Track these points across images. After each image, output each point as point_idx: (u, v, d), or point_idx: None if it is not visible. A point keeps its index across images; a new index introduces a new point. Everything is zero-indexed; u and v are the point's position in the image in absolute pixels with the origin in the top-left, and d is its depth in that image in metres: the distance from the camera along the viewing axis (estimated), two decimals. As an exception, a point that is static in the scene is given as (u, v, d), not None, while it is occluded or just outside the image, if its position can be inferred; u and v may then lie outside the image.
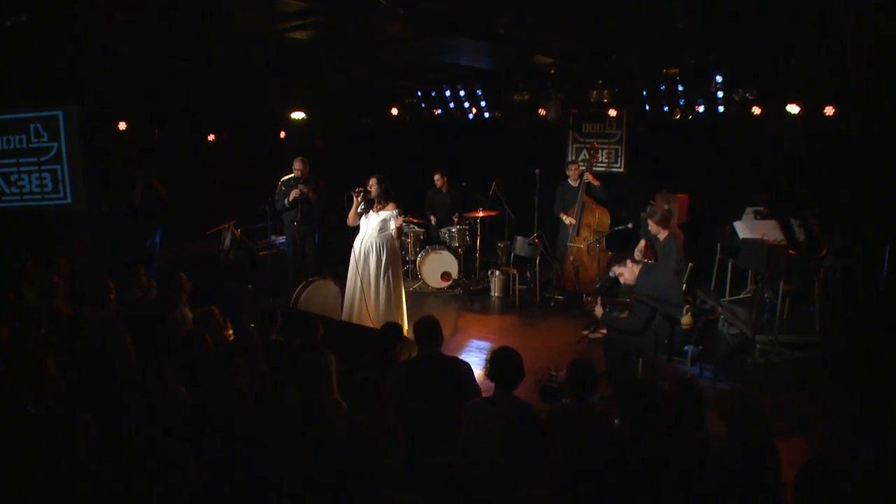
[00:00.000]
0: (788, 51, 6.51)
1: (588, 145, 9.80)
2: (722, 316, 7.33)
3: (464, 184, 10.05)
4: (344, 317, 7.02)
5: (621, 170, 10.03)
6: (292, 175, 8.31)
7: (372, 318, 6.77)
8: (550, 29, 5.67)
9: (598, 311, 5.70)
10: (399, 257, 7.08)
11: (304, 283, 7.35)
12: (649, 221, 7.22)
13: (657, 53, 7.09)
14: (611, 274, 5.86)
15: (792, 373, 6.28)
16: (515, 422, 3.46)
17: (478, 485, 3.31)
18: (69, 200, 8.65)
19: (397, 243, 7.06)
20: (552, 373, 6.02)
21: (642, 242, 7.51)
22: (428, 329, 4.68)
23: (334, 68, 8.77)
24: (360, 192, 6.85)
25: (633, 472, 3.28)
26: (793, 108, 6.67)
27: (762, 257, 6.14)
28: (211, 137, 10.14)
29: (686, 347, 5.34)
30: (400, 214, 6.96)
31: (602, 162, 9.97)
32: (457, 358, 4.81)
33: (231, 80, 8.96)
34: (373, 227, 6.89)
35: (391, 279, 6.91)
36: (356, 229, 7.12)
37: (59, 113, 8.45)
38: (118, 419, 3.86)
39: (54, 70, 8.02)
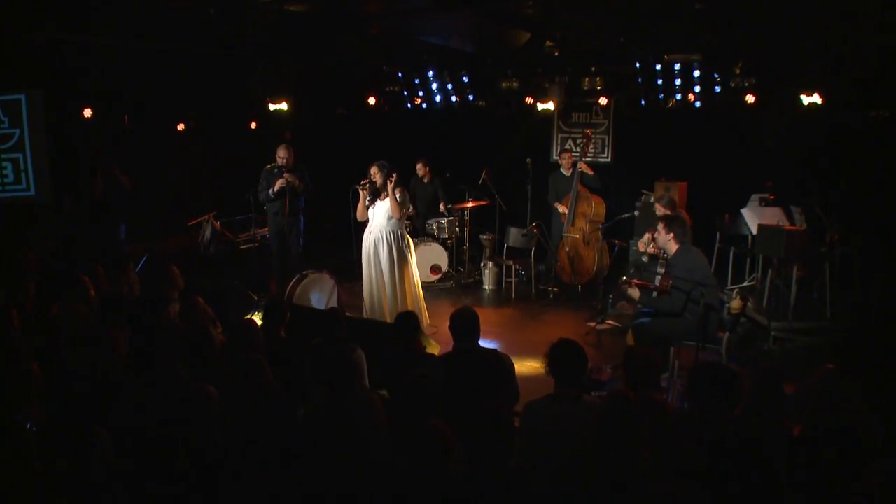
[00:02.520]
0: (796, 38, 6.45)
1: (579, 134, 9.69)
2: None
3: (447, 174, 9.76)
4: (366, 314, 6.64)
5: (608, 159, 9.90)
6: (276, 164, 7.85)
7: (389, 312, 6.41)
8: (572, 6, 5.44)
9: (636, 292, 5.51)
10: (410, 244, 6.72)
11: (298, 276, 6.95)
12: (657, 206, 7.09)
13: (668, 36, 6.96)
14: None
15: (807, 359, 6.21)
16: (618, 418, 3.17)
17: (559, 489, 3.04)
18: (32, 192, 8.00)
19: (407, 229, 6.71)
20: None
21: (647, 235, 7.38)
22: (466, 321, 4.39)
23: (323, 50, 8.36)
24: (367, 184, 6.50)
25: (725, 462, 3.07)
26: (808, 99, 6.58)
27: (781, 243, 6.06)
28: (181, 126, 9.60)
29: (722, 334, 5.19)
30: (402, 191, 6.56)
31: (588, 152, 9.80)
32: (496, 351, 4.53)
33: (211, 65, 8.47)
34: (380, 216, 6.52)
35: (405, 268, 6.57)
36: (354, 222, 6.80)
37: (22, 96, 7.79)
38: (130, 429, 3.45)
39: (17, 49, 7.38)
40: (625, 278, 5.70)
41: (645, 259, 5.70)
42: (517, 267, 8.84)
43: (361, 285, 6.84)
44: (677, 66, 7.98)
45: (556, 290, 8.52)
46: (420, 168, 9.55)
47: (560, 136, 10.19)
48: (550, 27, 6.63)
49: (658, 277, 5.70)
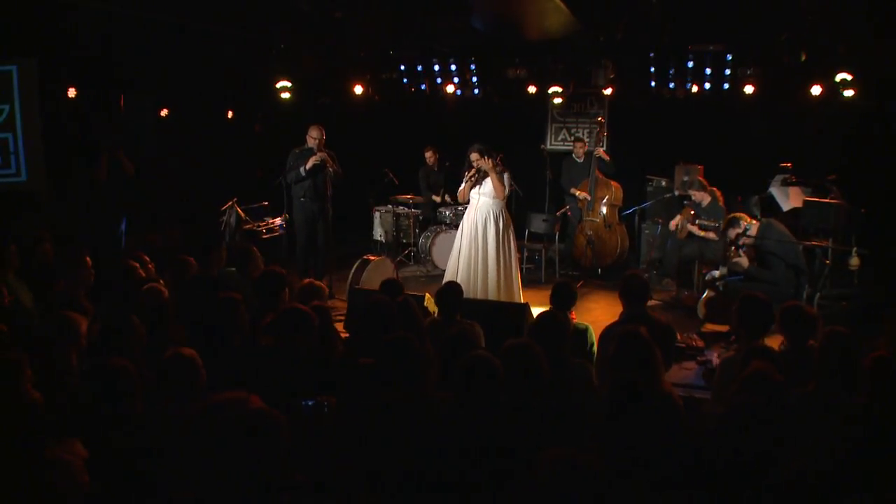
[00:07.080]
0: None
1: (574, 124, 9.94)
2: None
3: (447, 163, 9.65)
4: None
5: (604, 149, 10.16)
6: (306, 146, 7.42)
7: (490, 292, 6.27)
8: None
9: (745, 261, 5.74)
10: (512, 224, 6.60)
11: (360, 262, 6.64)
12: (692, 192, 7.44)
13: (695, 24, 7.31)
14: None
15: (848, 324, 6.72)
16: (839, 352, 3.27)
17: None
18: (23, 178, 7.12)
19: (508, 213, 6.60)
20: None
21: (679, 217, 7.72)
22: (638, 284, 4.41)
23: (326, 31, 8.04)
24: (474, 170, 6.40)
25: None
26: (847, 91, 7.14)
27: (831, 217, 6.52)
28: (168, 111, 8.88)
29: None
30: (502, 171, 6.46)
31: (602, 139, 9.93)
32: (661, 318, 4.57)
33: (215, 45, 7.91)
34: (486, 194, 6.40)
35: (509, 249, 6.45)
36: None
37: (13, 68, 6.92)
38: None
39: (8, 14, 6.52)
40: (733, 247, 5.93)
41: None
42: (538, 252, 8.88)
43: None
44: (690, 56, 8.37)
45: (575, 274, 8.66)
46: (430, 156, 9.42)
47: (554, 125, 10.37)
48: (600, 14, 6.78)
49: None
